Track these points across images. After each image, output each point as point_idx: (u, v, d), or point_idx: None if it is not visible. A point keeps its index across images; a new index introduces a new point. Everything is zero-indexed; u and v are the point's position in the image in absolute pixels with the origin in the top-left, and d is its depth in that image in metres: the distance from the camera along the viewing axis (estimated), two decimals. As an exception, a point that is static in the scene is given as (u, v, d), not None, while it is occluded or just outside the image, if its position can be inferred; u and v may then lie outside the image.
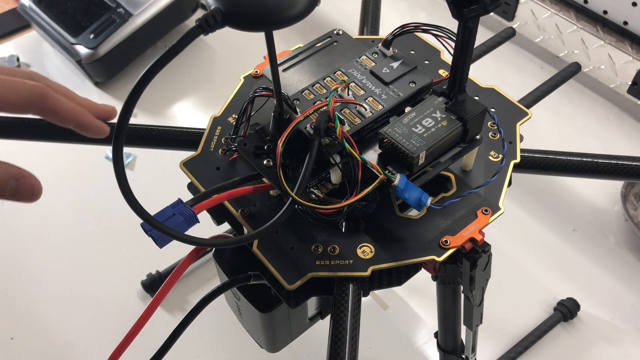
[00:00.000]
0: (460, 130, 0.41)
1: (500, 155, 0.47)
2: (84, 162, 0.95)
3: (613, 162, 0.49)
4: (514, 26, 1.05)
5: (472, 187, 0.45)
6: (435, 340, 0.63)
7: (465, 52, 0.39)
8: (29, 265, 0.85)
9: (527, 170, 0.49)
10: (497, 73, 1.05)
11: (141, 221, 0.35)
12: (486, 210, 0.43)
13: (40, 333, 0.79)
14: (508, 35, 0.73)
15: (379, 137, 0.41)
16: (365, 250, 0.42)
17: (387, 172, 0.39)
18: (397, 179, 0.39)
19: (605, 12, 0.96)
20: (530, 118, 0.49)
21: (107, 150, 0.97)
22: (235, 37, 1.10)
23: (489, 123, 0.48)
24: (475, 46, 0.40)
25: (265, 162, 0.42)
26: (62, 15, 1.03)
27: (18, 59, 1.08)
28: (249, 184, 0.44)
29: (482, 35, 0.98)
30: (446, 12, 0.38)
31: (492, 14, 1.06)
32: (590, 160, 0.50)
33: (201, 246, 0.41)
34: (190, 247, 0.42)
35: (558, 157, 0.50)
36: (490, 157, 0.47)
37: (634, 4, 0.92)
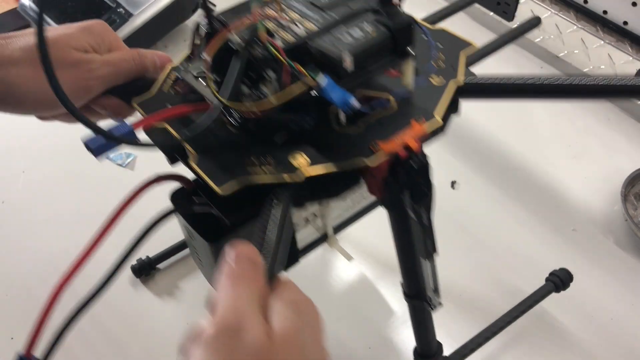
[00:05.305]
0: (389, 40, 0.42)
1: (442, 79, 0.48)
2: (84, 162, 0.95)
3: (562, 83, 0.46)
4: (513, 27, 1.05)
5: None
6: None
7: None
8: (29, 266, 0.85)
9: (474, 95, 0.50)
10: (497, 73, 1.05)
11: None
12: (420, 119, 0.44)
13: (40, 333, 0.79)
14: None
15: (309, 49, 0.42)
16: (300, 161, 0.42)
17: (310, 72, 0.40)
18: (321, 78, 0.39)
19: (605, 12, 0.96)
20: (475, 49, 0.51)
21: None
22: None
23: (433, 56, 0.50)
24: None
25: (203, 82, 0.44)
26: (62, 15, 1.03)
27: (18, 59, 1.08)
28: None
29: (483, 36, 0.98)
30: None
31: (492, 14, 1.06)
32: (541, 82, 0.47)
33: (134, 143, 0.43)
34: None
35: (504, 81, 0.49)
36: (432, 80, 0.48)
37: (634, 4, 0.92)
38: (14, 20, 1.14)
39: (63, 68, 0.48)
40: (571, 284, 0.79)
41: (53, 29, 0.51)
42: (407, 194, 0.45)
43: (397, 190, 0.45)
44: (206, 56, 0.41)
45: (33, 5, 1.05)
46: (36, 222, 0.89)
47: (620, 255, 0.84)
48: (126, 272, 0.82)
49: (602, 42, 0.96)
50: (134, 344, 0.75)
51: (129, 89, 0.52)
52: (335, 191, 0.44)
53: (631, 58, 0.93)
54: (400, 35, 0.42)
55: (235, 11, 0.46)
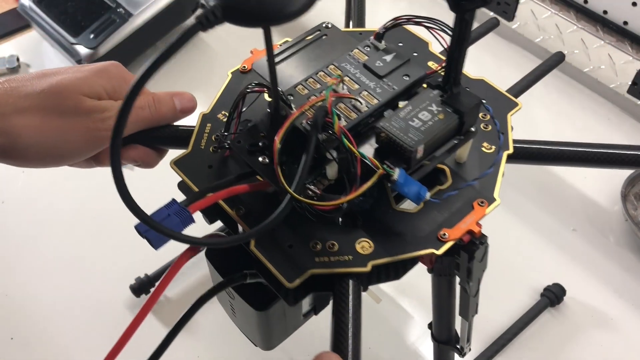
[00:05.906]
0: (457, 123, 0.41)
1: (494, 147, 0.47)
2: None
3: (604, 151, 0.49)
4: (513, 27, 1.06)
5: (466, 179, 0.45)
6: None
7: (462, 45, 0.39)
8: (29, 266, 0.85)
9: (520, 161, 0.49)
10: (498, 73, 1.05)
11: (135, 224, 0.35)
12: (482, 202, 0.43)
13: (40, 333, 0.79)
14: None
15: (376, 131, 0.40)
16: (364, 246, 0.41)
17: (385, 166, 0.39)
18: (397, 173, 0.38)
19: (605, 12, 0.96)
20: (520, 108, 0.49)
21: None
22: (234, 36, 1.10)
23: (480, 114, 0.48)
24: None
25: (260, 159, 0.41)
26: (62, 15, 1.03)
27: (18, 59, 1.08)
28: (243, 182, 0.43)
29: (487, 37, 0.98)
30: (445, 11, 0.38)
31: (491, 13, 1.06)
32: (582, 149, 0.49)
33: (199, 245, 0.40)
34: (184, 247, 0.41)
35: (550, 147, 0.49)
36: (484, 149, 0.47)
37: (634, 4, 0.92)
38: (14, 20, 1.14)
39: (73, 117, 0.45)
40: (571, 285, 0.79)
41: (63, 71, 0.46)
42: (463, 271, 0.44)
43: (453, 266, 0.45)
44: (276, 141, 0.38)
45: (33, 5, 1.05)
46: (36, 222, 0.89)
47: (620, 255, 0.84)
48: (125, 292, 0.80)
49: (602, 42, 0.95)
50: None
51: (153, 134, 0.49)
52: (396, 274, 0.42)
53: (631, 58, 0.93)
54: (467, 118, 0.41)
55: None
